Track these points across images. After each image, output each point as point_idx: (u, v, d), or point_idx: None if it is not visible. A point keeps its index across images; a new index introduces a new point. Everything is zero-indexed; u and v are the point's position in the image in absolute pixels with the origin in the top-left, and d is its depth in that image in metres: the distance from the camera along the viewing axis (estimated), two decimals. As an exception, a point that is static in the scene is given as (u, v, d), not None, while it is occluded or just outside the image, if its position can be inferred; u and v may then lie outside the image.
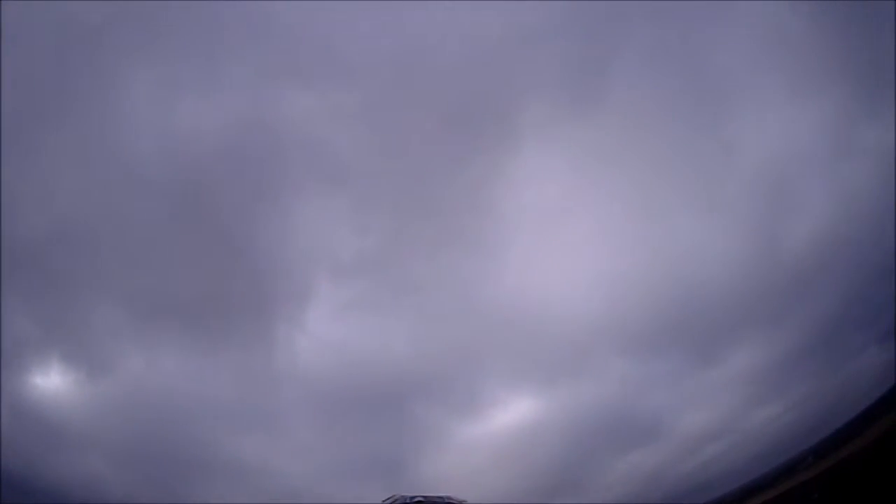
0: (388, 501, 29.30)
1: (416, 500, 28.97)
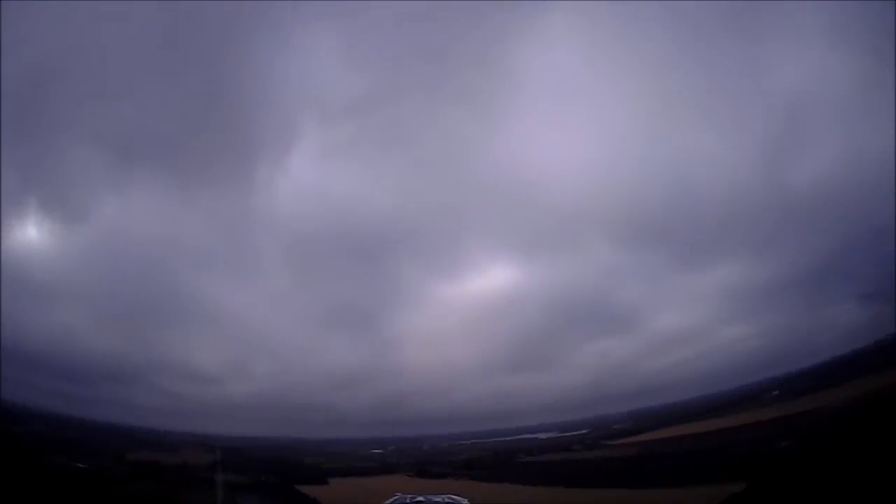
0: (388, 502, 30.33)
1: (417, 500, 30.78)
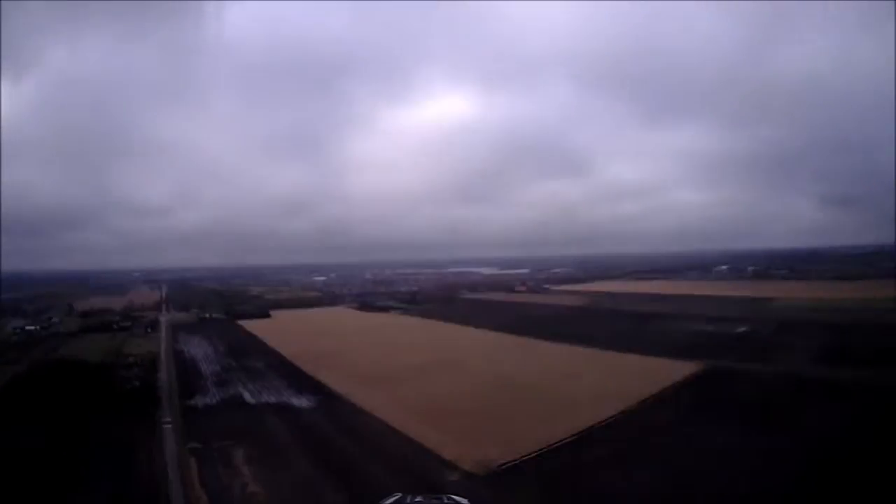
0: (388, 502, 29.22)
1: (417, 500, 29.30)
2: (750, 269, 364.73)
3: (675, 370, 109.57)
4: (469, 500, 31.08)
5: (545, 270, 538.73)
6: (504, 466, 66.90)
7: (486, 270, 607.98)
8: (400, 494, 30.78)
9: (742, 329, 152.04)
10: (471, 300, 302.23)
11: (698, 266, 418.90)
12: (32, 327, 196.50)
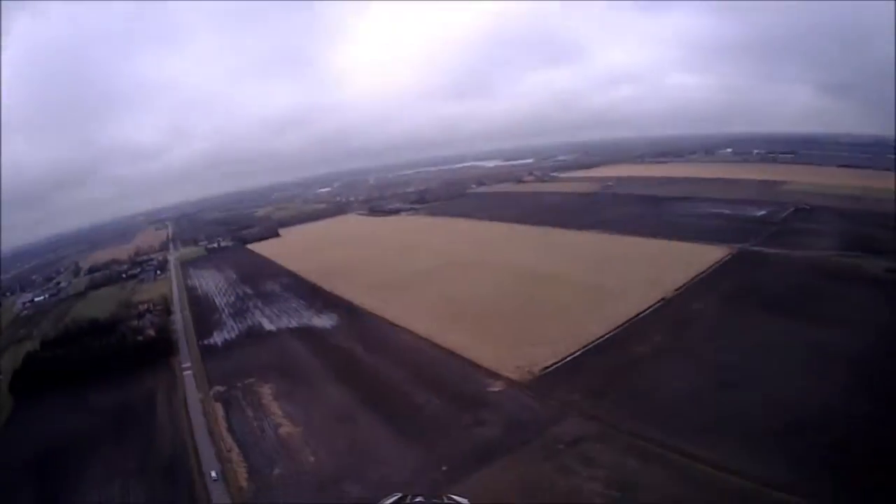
0: (388, 502, 30.08)
1: (417, 500, 30.23)
2: (755, 152, 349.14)
3: (704, 255, 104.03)
4: (469, 500, 31.20)
5: (549, 158, 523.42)
6: (547, 370, 63.46)
7: (489, 163, 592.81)
8: (400, 495, 31.46)
9: (761, 212, 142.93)
10: (480, 194, 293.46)
11: (701, 149, 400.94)
12: (41, 297, 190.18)
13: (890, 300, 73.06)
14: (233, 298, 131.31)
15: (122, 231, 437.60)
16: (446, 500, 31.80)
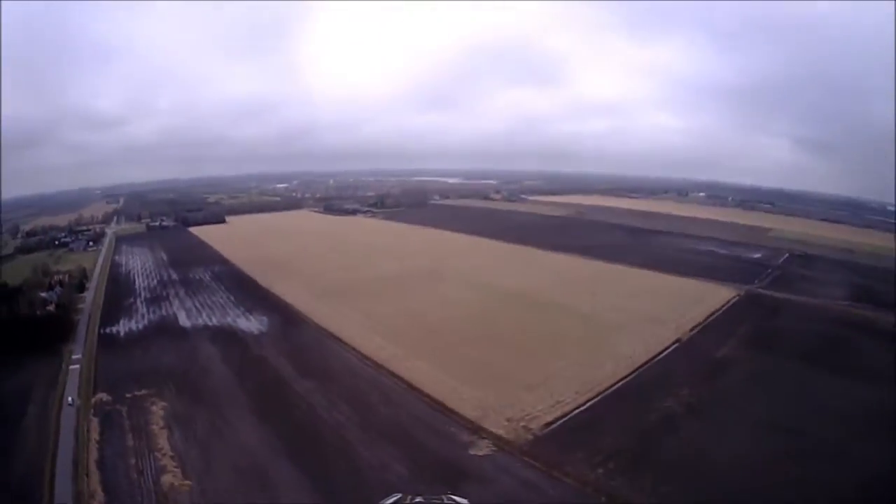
0: (388, 502, 28.21)
1: (417, 500, 28.44)
2: (730, 199, 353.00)
3: (711, 294, 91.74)
4: (469, 501, 28.22)
5: (515, 182, 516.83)
6: (551, 427, 46.38)
7: (451, 180, 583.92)
8: (400, 495, 29.16)
9: (756, 255, 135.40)
10: (445, 206, 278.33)
11: (673, 189, 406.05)
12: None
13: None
14: (155, 282, 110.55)
15: (73, 200, 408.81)
16: (446, 501, 29.49)
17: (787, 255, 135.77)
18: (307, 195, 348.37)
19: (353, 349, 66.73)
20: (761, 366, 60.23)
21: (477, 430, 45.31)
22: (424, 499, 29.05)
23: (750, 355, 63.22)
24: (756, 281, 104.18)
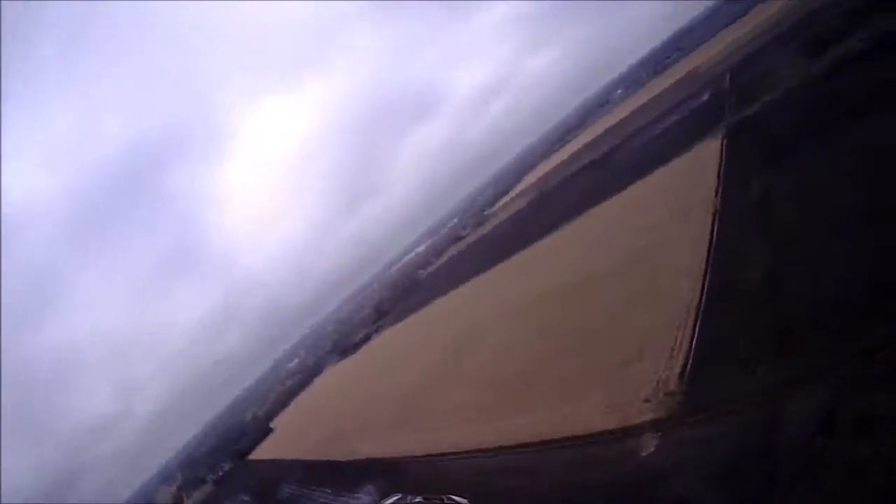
0: (388, 502, 30.28)
1: (416, 500, 29.87)
2: None
3: None
4: (469, 501, 29.84)
5: (467, 210, 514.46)
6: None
7: (420, 248, 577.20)
8: (400, 495, 30.60)
9: None
10: (435, 272, 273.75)
11: (598, 103, 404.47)
12: None
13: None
14: None
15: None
16: (446, 501, 29.95)
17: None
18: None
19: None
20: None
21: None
22: (424, 499, 30.27)
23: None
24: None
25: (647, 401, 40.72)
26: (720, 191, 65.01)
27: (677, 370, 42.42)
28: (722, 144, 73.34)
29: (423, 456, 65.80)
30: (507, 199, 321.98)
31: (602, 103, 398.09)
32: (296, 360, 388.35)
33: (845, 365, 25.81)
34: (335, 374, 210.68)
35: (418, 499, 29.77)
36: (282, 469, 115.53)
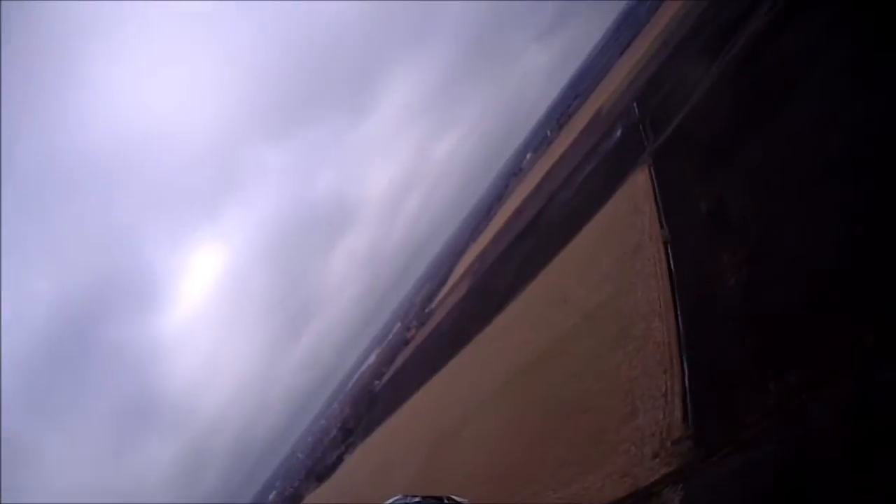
0: (388, 502, 30.10)
1: (416, 500, 30.34)
2: None
3: None
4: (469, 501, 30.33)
5: (403, 315, 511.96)
6: None
7: (370, 360, 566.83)
8: (400, 496, 30.44)
9: None
10: (389, 381, 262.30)
11: (516, 164, 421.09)
12: None
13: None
14: None
15: None
16: (446, 501, 30.69)
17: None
18: None
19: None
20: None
21: None
22: (424, 499, 29.97)
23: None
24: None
25: (655, 457, 34.34)
26: (663, 218, 61.32)
27: (678, 414, 36.49)
28: (650, 173, 70.25)
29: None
30: (445, 290, 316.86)
31: (515, 172, 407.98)
32: (274, 493, 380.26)
33: (857, 344, 22.36)
34: (317, 501, 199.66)
35: (417, 499, 29.45)
36: None
